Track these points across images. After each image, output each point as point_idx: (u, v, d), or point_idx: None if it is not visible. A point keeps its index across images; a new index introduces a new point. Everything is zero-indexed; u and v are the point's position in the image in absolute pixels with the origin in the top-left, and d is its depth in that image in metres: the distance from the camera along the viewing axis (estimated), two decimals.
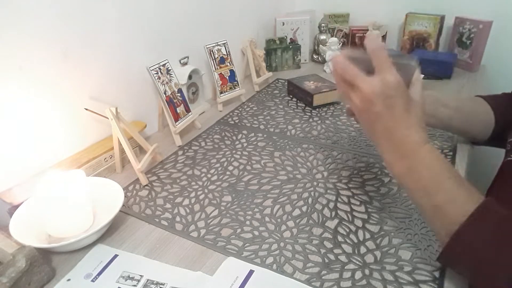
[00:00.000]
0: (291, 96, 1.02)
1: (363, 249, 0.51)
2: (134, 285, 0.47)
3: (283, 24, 1.25)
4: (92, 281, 0.48)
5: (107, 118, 0.65)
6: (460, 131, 0.72)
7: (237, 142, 0.80)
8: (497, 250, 0.39)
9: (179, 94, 0.81)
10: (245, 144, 0.79)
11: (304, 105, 0.96)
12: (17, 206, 0.55)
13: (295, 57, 1.24)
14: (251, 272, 0.48)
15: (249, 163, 0.72)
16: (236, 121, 0.90)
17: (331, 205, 0.60)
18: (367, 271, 0.47)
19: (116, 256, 0.52)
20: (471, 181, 0.69)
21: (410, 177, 0.46)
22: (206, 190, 0.65)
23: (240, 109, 0.96)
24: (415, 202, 0.47)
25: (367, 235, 0.53)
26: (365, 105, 0.46)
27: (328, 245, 0.52)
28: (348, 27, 1.33)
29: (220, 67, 0.95)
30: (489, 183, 0.67)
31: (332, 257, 0.50)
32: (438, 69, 1.07)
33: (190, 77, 0.89)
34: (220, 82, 0.96)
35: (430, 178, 0.44)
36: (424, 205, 0.45)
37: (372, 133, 0.49)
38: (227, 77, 0.97)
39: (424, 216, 0.47)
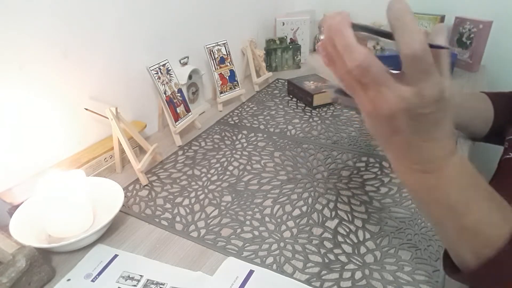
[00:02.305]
0: (291, 96, 1.02)
1: (363, 249, 0.51)
2: (134, 285, 0.47)
3: (283, 24, 1.25)
4: (92, 281, 0.48)
5: (107, 118, 0.65)
6: (459, 126, 0.72)
7: (237, 142, 0.80)
8: None
9: (179, 94, 0.81)
10: (245, 144, 0.79)
11: (304, 105, 0.96)
12: (17, 206, 0.55)
13: (295, 57, 1.24)
14: (251, 272, 0.48)
15: (249, 163, 0.72)
16: (236, 121, 0.90)
17: (331, 205, 0.60)
18: (367, 271, 0.47)
19: (116, 256, 0.52)
20: None
21: (432, 195, 0.37)
22: (206, 190, 0.65)
23: (240, 109, 0.96)
24: (435, 220, 0.39)
25: (367, 235, 0.53)
26: (386, 117, 0.35)
27: (328, 245, 0.52)
28: None
29: (220, 67, 0.95)
30: (488, 181, 0.67)
31: (332, 257, 0.50)
32: None
33: (190, 77, 0.89)
34: (220, 82, 0.96)
35: (458, 196, 0.36)
36: (448, 226, 0.38)
37: (387, 146, 0.39)
38: (227, 77, 0.97)
39: (445, 236, 0.40)
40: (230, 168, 0.71)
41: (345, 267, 0.48)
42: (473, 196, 0.36)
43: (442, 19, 1.16)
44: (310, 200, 0.61)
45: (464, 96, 0.71)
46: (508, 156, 0.61)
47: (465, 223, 0.36)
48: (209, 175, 0.69)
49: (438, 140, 0.36)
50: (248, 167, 0.71)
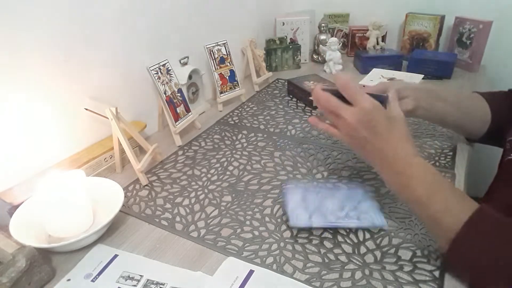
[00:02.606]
0: (291, 96, 1.02)
1: (363, 249, 0.51)
2: (134, 285, 0.47)
3: (283, 24, 1.26)
4: (92, 281, 0.48)
5: (107, 118, 0.65)
6: (455, 126, 0.72)
7: (237, 142, 0.80)
8: (495, 254, 0.41)
9: (179, 94, 0.81)
10: (245, 144, 0.79)
11: (304, 105, 0.96)
12: (17, 206, 0.55)
13: (295, 57, 1.24)
14: (251, 272, 0.48)
15: (249, 163, 0.72)
16: (236, 121, 0.90)
17: None
18: (367, 271, 0.47)
19: (116, 256, 0.52)
20: (471, 181, 0.70)
21: (405, 191, 0.49)
22: (206, 190, 0.65)
23: (240, 109, 0.96)
24: (414, 213, 0.51)
25: (367, 235, 0.53)
26: (351, 132, 0.51)
27: (328, 245, 0.52)
28: (348, 27, 1.33)
29: (220, 67, 0.95)
30: (489, 183, 0.67)
31: (332, 257, 0.50)
32: (438, 69, 1.07)
33: (190, 77, 0.89)
34: (220, 82, 0.96)
35: (423, 190, 0.47)
36: (421, 216, 0.48)
37: (365, 155, 0.54)
38: (227, 77, 0.97)
39: (424, 225, 0.51)
40: (230, 168, 0.71)
41: (345, 267, 0.48)
42: (435, 190, 0.46)
43: (442, 19, 1.16)
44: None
45: (459, 97, 0.71)
46: (510, 157, 0.61)
47: (431, 212, 0.46)
48: (209, 175, 0.69)
49: (398, 144, 0.50)
50: (248, 167, 0.71)
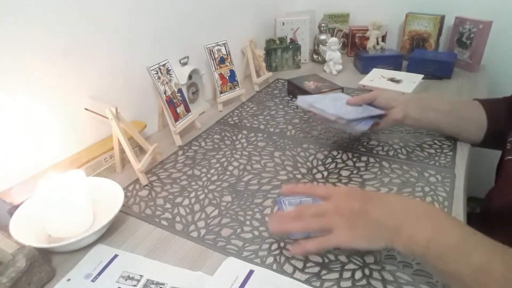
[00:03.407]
0: (291, 96, 1.02)
1: None
2: (134, 285, 0.47)
3: (283, 24, 1.25)
4: (92, 281, 0.48)
5: (107, 118, 0.65)
6: (450, 133, 0.74)
7: (237, 142, 0.80)
8: None
9: (179, 94, 0.81)
10: (245, 144, 0.79)
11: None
12: (17, 206, 0.55)
13: (295, 57, 1.24)
14: (251, 272, 0.48)
15: (249, 163, 0.72)
16: (236, 121, 0.90)
17: None
18: (367, 271, 0.47)
19: (116, 256, 0.52)
20: (471, 181, 0.70)
21: (435, 243, 0.39)
22: (206, 190, 0.65)
23: (240, 109, 0.96)
24: (448, 274, 0.39)
25: None
26: (347, 212, 0.44)
27: None
28: (348, 27, 1.33)
29: (220, 67, 0.95)
30: (489, 183, 0.67)
31: (332, 257, 0.50)
32: (438, 69, 1.07)
33: (190, 77, 0.89)
34: (220, 82, 0.96)
35: (457, 234, 0.39)
36: (462, 272, 0.37)
37: (371, 228, 0.43)
38: (227, 77, 0.97)
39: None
40: (230, 168, 0.71)
41: (345, 267, 0.48)
42: (471, 235, 0.39)
43: (442, 19, 1.16)
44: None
45: (454, 104, 0.72)
46: (510, 157, 0.61)
47: (474, 262, 0.37)
48: (209, 175, 0.69)
49: (402, 200, 0.46)
50: (248, 167, 0.71)
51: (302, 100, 0.74)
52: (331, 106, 0.70)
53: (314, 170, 0.69)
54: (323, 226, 0.45)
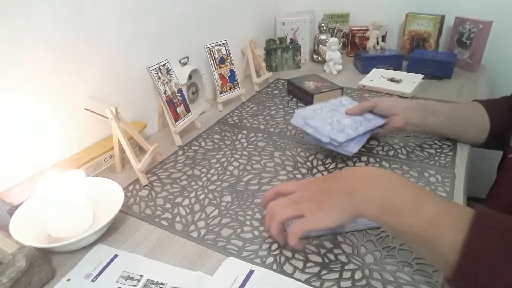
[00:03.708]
0: (291, 96, 1.02)
1: (363, 249, 0.51)
2: (134, 285, 0.47)
3: (283, 24, 1.26)
4: (92, 281, 0.48)
5: (107, 118, 0.65)
6: (452, 137, 0.74)
7: (237, 142, 0.80)
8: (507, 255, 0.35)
9: (179, 94, 0.81)
10: (245, 144, 0.79)
11: (304, 105, 0.96)
12: (17, 206, 0.55)
13: (295, 57, 1.24)
14: (251, 272, 0.48)
15: (249, 163, 0.72)
16: (236, 121, 0.90)
17: None
18: (367, 271, 0.47)
19: (116, 256, 0.52)
20: (471, 181, 0.70)
21: (390, 203, 0.42)
22: (206, 190, 0.65)
23: (240, 109, 0.96)
24: (403, 231, 0.41)
25: (367, 235, 0.53)
26: (310, 195, 0.47)
27: (328, 245, 0.52)
28: (348, 27, 1.33)
29: (220, 67, 0.95)
30: (489, 183, 0.67)
31: (332, 257, 0.50)
32: (438, 69, 1.07)
33: (190, 77, 0.89)
34: (220, 82, 0.96)
35: (410, 193, 0.42)
36: (415, 224, 0.40)
37: (329, 202, 0.45)
38: (227, 77, 0.97)
39: (419, 241, 0.40)
40: (230, 168, 0.71)
41: (345, 267, 0.48)
42: (423, 193, 0.42)
43: (442, 19, 1.16)
44: None
45: (454, 109, 0.72)
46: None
47: (426, 214, 0.39)
48: (209, 175, 0.69)
49: (358, 169, 0.47)
50: (248, 167, 0.71)
51: (298, 116, 0.73)
52: (327, 122, 0.70)
53: (314, 170, 0.69)
54: (294, 214, 0.47)
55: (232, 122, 0.90)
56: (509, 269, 0.34)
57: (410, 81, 1.01)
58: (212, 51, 0.93)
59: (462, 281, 0.37)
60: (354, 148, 0.66)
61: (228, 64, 0.97)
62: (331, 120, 0.70)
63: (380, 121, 0.70)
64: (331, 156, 0.73)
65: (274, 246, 0.52)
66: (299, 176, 0.67)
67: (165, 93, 0.77)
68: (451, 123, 0.70)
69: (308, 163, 0.71)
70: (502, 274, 0.34)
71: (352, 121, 0.70)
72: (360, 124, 0.69)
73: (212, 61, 0.93)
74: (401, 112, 0.69)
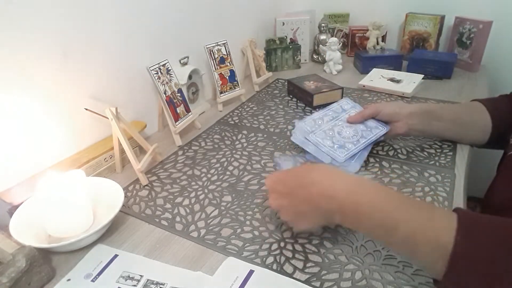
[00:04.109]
0: (291, 96, 1.02)
1: (363, 249, 0.51)
2: (134, 285, 0.47)
3: (283, 24, 1.26)
4: (92, 281, 0.48)
5: (107, 118, 0.65)
6: (456, 139, 0.73)
7: (237, 142, 0.80)
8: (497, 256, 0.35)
9: (179, 94, 0.81)
10: (245, 144, 0.79)
11: (304, 105, 0.96)
12: (17, 206, 0.55)
13: (295, 57, 1.24)
14: (251, 272, 0.48)
15: (249, 163, 0.72)
16: (236, 121, 0.90)
17: None
18: (367, 271, 0.47)
19: (116, 256, 0.52)
20: (471, 181, 0.70)
21: (364, 228, 0.43)
22: (206, 190, 0.65)
23: (240, 109, 0.96)
24: (383, 244, 0.44)
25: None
26: (279, 202, 0.50)
27: (328, 245, 0.52)
28: (348, 27, 1.33)
29: (220, 67, 0.95)
30: (489, 182, 0.67)
31: (332, 257, 0.50)
32: (438, 69, 1.07)
33: (190, 77, 0.89)
34: (220, 82, 0.96)
35: (380, 218, 0.41)
36: (392, 243, 0.42)
37: (314, 215, 0.47)
38: (227, 77, 0.97)
39: (402, 253, 0.43)
40: (230, 168, 0.71)
41: (345, 267, 0.48)
42: (389, 210, 0.41)
43: (442, 19, 1.16)
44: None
45: (457, 112, 0.71)
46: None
47: (404, 233, 0.39)
48: (209, 175, 0.69)
49: (320, 194, 0.46)
50: (248, 167, 0.71)
51: (298, 131, 0.72)
52: (327, 136, 0.69)
53: None
54: (284, 222, 0.53)
55: (232, 122, 0.90)
56: (499, 275, 0.34)
57: (410, 81, 1.01)
58: (212, 51, 0.93)
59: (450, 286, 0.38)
60: (354, 167, 0.66)
61: (228, 64, 0.97)
62: (332, 132, 0.70)
63: (382, 131, 0.69)
64: None
65: (274, 246, 0.52)
66: None
67: (165, 93, 0.77)
68: (454, 126, 0.70)
69: (308, 163, 0.71)
70: (492, 279, 0.34)
71: (354, 132, 0.69)
72: (361, 135, 0.69)
73: (212, 61, 0.93)
74: (404, 119, 0.68)
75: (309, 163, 0.62)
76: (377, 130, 0.69)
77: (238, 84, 0.99)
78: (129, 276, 0.48)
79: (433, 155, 0.71)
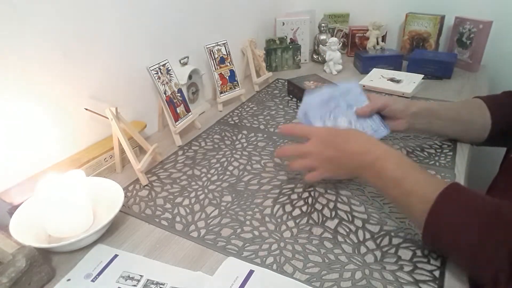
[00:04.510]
0: (291, 96, 1.02)
1: (363, 249, 0.51)
2: (134, 285, 0.47)
3: (283, 24, 1.26)
4: (92, 281, 0.48)
5: (107, 118, 0.65)
6: (455, 138, 0.74)
7: (237, 142, 0.80)
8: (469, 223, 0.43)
9: (179, 94, 0.81)
10: (245, 144, 0.79)
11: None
12: (17, 206, 0.55)
13: (295, 57, 1.24)
14: (251, 272, 0.48)
15: (249, 163, 0.72)
16: (236, 121, 0.90)
17: (331, 205, 0.60)
18: (367, 271, 0.47)
19: (116, 256, 0.52)
20: (471, 180, 0.70)
21: (379, 177, 0.52)
22: (206, 190, 0.65)
23: (240, 109, 0.96)
24: (391, 199, 0.52)
25: (367, 235, 0.53)
26: (322, 157, 0.58)
27: (328, 245, 0.52)
28: (348, 27, 1.33)
29: (220, 67, 0.95)
30: (489, 183, 0.67)
31: (332, 257, 0.50)
32: (438, 69, 1.07)
33: (190, 77, 0.89)
34: (220, 82, 0.96)
35: (394, 170, 0.51)
36: (397, 196, 0.50)
37: (344, 170, 0.57)
38: (227, 77, 0.97)
39: (401, 207, 0.51)
40: (230, 168, 0.71)
41: (345, 267, 0.48)
42: (406, 168, 0.51)
43: (442, 19, 1.16)
44: (310, 200, 0.61)
45: (457, 111, 0.71)
46: None
47: (406, 188, 0.49)
48: (209, 175, 0.69)
49: (362, 145, 0.55)
50: (248, 167, 0.71)
51: (303, 106, 0.69)
52: (322, 120, 0.67)
53: None
54: (307, 167, 0.60)
55: (232, 122, 0.90)
56: (466, 228, 0.42)
57: (410, 81, 1.01)
58: (212, 51, 0.93)
59: (429, 239, 0.47)
60: None
61: (228, 64, 0.97)
62: (328, 116, 0.68)
63: (381, 133, 0.68)
64: None
65: (274, 246, 0.52)
66: (299, 176, 0.67)
67: (165, 93, 0.77)
68: (453, 125, 0.70)
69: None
70: (460, 233, 0.43)
71: (360, 124, 0.68)
72: (369, 127, 0.68)
73: (212, 61, 0.93)
74: (407, 117, 0.68)
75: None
76: (380, 132, 0.68)
77: (238, 84, 0.99)
78: (129, 276, 0.48)
79: (433, 155, 0.71)
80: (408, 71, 1.09)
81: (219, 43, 0.94)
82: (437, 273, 0.46)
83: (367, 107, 0.70)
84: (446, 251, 0.47)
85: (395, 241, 0.52)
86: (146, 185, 0.67)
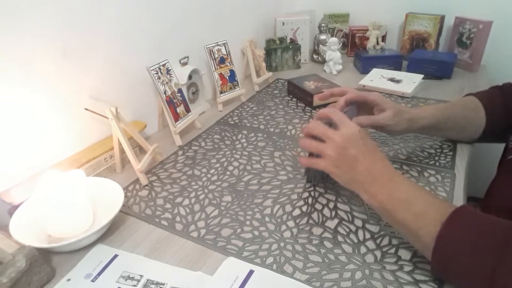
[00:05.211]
0: (291, 96, 1.02)
1: (363, 249, 0.51)
2: (134, 285, 0.47)
3: (283, 24, 1.26)
4: (92, 281, 0.48)
5: (107, 118, 0.65)
6: (448, 137, 0.74)
7: (237, 142, 0.80)
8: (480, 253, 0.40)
9: (179, 94, 0.81)
10: (245, 144, 0.79)
11: (304, 105, 0.96)
12: (17, 206, 0.55)
13: (295, 57, 1.24)
14: (251, 272, 0.48)
15: (249, 163, 0.72)
16: (236, 121, 0.90)
17: (331, 205, 0.60)
18: (367, 271, 0.47)
19: (116, 256, 0.52)
20: (471, 181, 0.70)
21: (390, 199, 0.49)
22: (206, 190, 0.65)
23: (240, 109, 0.96)
24: (397, 222, 0.48)
25: (367, 235, 0.53)
26: (341, 151, 0.52)
27: (328, 245, 0.52)
28: (348, 27, 1.33)
29: (220, 67, 0.95)
30: (489, 183, 0.67)
31: (332, 257, 0.50)
32: (438, 69, 1.07)
33: (190, 77, 0.89)
34: (220, 82, 0.96)
35: (407, 192, 0.48)
36: (406, 219, 0.46)
37: (353, 175, 0.52)
38: (227, 77, 0.97)
39: (408, 232, 0.47)
40: (230, 168, 0.71)
41: (345, 267, 0.48)
42: (417, 191, 0.49)
43: (442, 19, 1.16)
44: (310, 200, 0.61)
45: (451, 109, 0.69)
46: (511, 157, 0.61)
47: (416, 210, 0.46)
48: (209, 175, 0.69)
49: (384, 160, 0.52)
50: (248, 167, 0.71)
51: None
52: None
53: None
54: (317, 150, 0.54)
55: (232, 122, 0.90)
56: (476, 257, 0.40)
57: (410, 81, 1.01)
58: (212, 51, 0.93)
59: (438, 265, 0.44)
60: None
61: (228, 64, 0.97)
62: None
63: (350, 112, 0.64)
64: None
65: (274, 246, 0.52)
66: (299, 176, 0.67)
67: (165, 93, 0.77)
68: (446, 126, 0.68)
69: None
70: (470, 260, 0.40)
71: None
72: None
73: (212, 61, 0.93)
74: (394, 108, 0.64)
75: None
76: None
77: (238, 84, 0.99)
78: (129, 276, 0.48)
79: (433, 155, 0.71)
80: (408, 71, 1.09)
81: (219, 43, 0.94)
82: None
83: (360, 94, 0.65)
84: (455, 275, 0.43)
85: (395, 241, 0.52)
86: (146, 185, 0.67)
